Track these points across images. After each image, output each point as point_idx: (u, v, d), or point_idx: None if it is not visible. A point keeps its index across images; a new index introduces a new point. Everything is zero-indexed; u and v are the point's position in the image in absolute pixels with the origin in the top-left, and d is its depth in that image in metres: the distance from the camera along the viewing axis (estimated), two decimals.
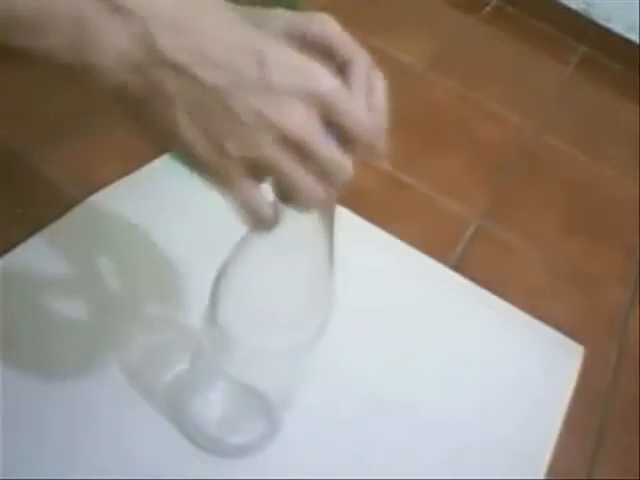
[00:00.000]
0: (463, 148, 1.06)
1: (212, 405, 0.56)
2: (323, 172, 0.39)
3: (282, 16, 0.41)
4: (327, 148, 0.38)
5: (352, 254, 0.69)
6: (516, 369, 0.73)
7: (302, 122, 0.37)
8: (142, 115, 0.39)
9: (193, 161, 0.41)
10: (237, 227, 0.46)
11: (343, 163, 0.39)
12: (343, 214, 0.81)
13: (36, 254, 0.65)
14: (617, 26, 1.54)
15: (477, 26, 1.46)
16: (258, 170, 0.39)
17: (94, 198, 0.72)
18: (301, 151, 0.38)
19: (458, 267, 0.83)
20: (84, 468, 0.52)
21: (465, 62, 1.29)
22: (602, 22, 1.55)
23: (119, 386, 0.57)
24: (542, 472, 0.64)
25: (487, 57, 1.37)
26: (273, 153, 0.38)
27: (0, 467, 0.49)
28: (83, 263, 0.65)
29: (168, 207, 0.75)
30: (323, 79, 0.37)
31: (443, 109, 1.11)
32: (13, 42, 0.35)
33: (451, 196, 0.95)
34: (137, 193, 0.74)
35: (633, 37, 1.53)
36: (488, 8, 1.53)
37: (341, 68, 0.41)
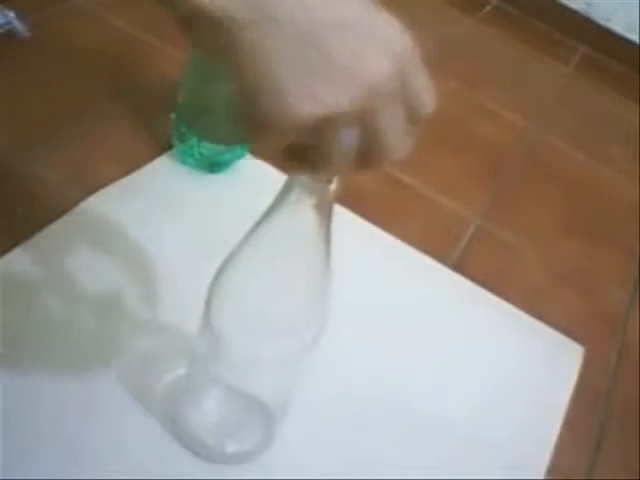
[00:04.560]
0: (463, 148, 1.05)
1: (208, 412, 0.56)
2: (411, 112, 0.35)
3: None
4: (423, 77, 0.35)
5: (352, 254, 0.69)
6: (516, 369, 0.73)
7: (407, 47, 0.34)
8: (226, 45, 0.33)
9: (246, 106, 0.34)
10: (235, 229, 0.46)
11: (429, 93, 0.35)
12: (343, 214, 0.81)
13: (36, 255, 0.65)
14: (617, 26, 1.54)
15: (477, 26, 1.46)
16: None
17: (93, 199, 0.72)
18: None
19: (458, 267, 0.83)
20: (80, 474, 0.52)
21: (465, 62, 1.29)
22: (602, 22, 1.55)
23: (115, 392, 0.57)
24: (542, 472, 0.64)
25: (487, 57, 1.36)
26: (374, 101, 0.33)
27: (0, 467, 0.50)
28: (82, 265, 0.65)
29: (166, 208, 0.74)
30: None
31: (443, 109, 1.10)
32: None
33: (451, 196, 0.94)
34: (136, 194, 0.74)
35: (633, 37, 1.53)
36: (488, 8, 1.53)
37: None
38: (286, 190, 0.42)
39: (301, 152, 0.36)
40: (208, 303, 0.48)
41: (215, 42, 0.33)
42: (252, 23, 0.32)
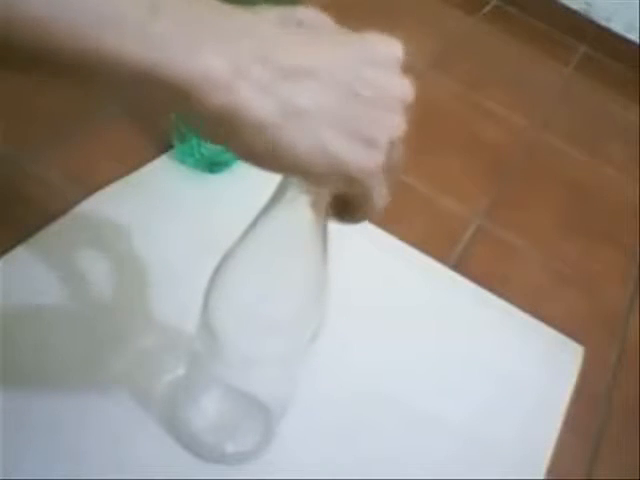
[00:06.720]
0: (463, 148, 1.05)
1: (207, 412, 0.55)
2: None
3: (271, 12, 0.38)
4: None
5: (351, 254, 0.69)
6: (516, 369, 0.73)
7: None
8: (269, 149, 0.33)
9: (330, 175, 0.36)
10: (235, 229, 0.46)
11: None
12: None
13: (36, 255, 0.65)
14: (617, 26, 1.54)
15: (477, 26, 1.46)
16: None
17: (93, 199, 0.72)
18: None
19: (458, 267, 0.83)
20: (79, 474, 0.52)
21: (465, 62, 1.29)
22: (602, 22, 1.55)
23: (114, 392, 0.57)
24: (542, 472, 0.64)
25: (487, 57, 1.36)
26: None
27: (0, 467, 0.50)
28: (81, 265, 0.65)
29: (166, 208, 0.74)
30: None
31: (443, 109, 1.10)
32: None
33: (451, 196, 0.94)
34: (136, 194, 0.74)
35: (633, 37, 1.53)
36: (488, 8, 1.53)
37: None
38: (282, 188, 0.42)
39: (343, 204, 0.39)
40: (206, 302, 0.48)
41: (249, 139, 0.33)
42: (285, 121, 0.32)
